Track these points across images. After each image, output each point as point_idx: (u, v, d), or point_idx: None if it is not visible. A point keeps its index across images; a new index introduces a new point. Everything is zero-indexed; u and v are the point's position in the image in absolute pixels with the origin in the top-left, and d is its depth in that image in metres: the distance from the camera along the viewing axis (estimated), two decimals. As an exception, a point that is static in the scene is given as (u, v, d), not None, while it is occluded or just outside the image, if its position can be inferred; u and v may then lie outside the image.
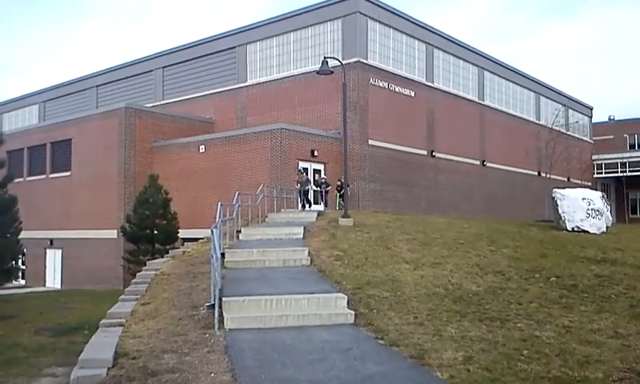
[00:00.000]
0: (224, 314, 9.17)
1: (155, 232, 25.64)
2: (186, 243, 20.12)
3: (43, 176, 34.28)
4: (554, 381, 6.23)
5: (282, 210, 23.10)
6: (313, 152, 27.60)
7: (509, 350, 7.36)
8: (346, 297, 10.14)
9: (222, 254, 12.83)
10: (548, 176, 34.80)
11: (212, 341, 8.20)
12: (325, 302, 9.96)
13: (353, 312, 9.47)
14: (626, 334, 8.12)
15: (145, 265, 16.11)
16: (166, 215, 25.93)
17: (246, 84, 33.83)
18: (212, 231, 10.96)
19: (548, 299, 10.32)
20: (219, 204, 14.32)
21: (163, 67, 38.73)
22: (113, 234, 28.94)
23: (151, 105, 36.12)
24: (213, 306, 9.31)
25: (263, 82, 33.08)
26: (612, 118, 60.62)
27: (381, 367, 6.86)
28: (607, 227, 20.54)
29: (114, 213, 29.46)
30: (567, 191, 20.79)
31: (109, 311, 10.36)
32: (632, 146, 56.86)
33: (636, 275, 12.58)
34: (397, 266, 13.11)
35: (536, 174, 39.92)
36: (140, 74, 40.15)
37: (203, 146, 29.09)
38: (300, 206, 24.66)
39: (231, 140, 28.39)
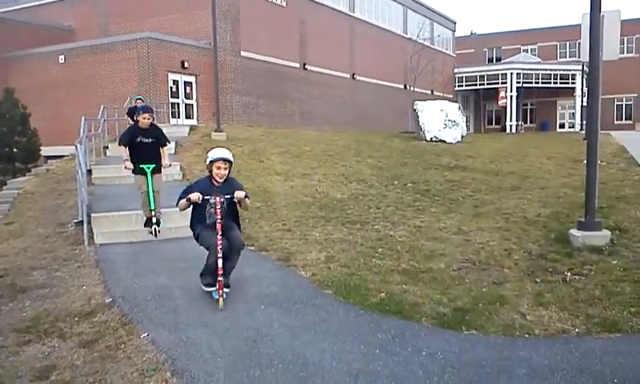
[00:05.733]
0: (93, 229, 9.16)
1: (15, 150, 24.06)
2: (49, 161, 19.25)
3: None
4: (402, 273, 7.04)
5: (153, 124, 22.56)
6: (183, 63, 26.80)
7: (366, 249, 8.12)
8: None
9: (89, 171, 12.57)
10: (413, 89, 36.61)
11: (82, 256, 8.23)
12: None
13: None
14: (468, 231, 9.18)
15: (5, 184, 15.31)
16: (25, 132, 24.32)
17: (108, -11, 31.63)
18: (76, 147, 10.67)
19: (403, 203, 11.32)
20: (83, 118, 13.80)
21: (12, -33, 35.06)
22: (-35, 152, 26.72)
23: (1, 11, 32.79)
24: (81, 222, 9.26)
25: (127, -13, 31.09)
26: (473, 32, 64.07)
27: (251, 270, 7.34)
28: (462, 136, 22.33)
29: (-36, 129, 27.09)
30: (426, 103, 22.20)
31: (-32, 233, 9.94)
32: (490, 60, 60.67)
33: (483, 179, 14.03)
34: (268, 177, 13.58)
35: (402, 87, 41.66)
36: (-16, -26, 36.06)
37: (63, 56, 27.26)
38: None
39: (93, 50, 26.77)
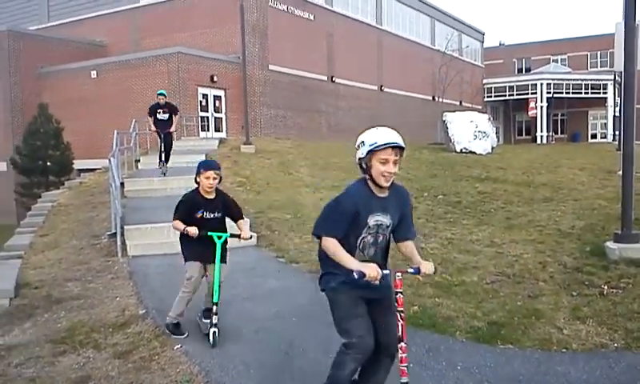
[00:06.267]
0: (126, 241, 9.27)
1: (48, 163, 24.65)
2: (82, 174, 19.61)
3: None
4: (435, 286, 6.95)
5: (182, 137, 22.85)
6: (212, 77, 27.15)
7: (397, 261, 7.95)
8: (249, 220, 10.47)
9: (122, 183, 12.74)
10: (441, 100, 36.40)
11: (116, 268, 8.34)
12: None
13: (255, 234, 9.86)
14: (501, 243, 9.04)
15: (40, 197, 15.64)
16: (58, 146, 24.95)
17: (140, 4, 32.23)
18: (109, 160, 10.86)
19: (434, 215, 11.21)
20: (115, 132, 14.04)
21: (47, -15, 35.99)
22: (2, 166, 27.43)
23: (35, 28, 33.68)
24: (114, 234, 9.39)
25: (158, 2, 31.64)
26: (502, 43, 63.57)
27: (282, 283, 7.35)
28: (492, 148, 22.10)
29: (0, 144, 27.82)
30: (456, 115, 22.06)
31: (5, 244, 10.16)
32: (520, 71, 60.10)
33: (514, 191, 13.82)
34: (297, 189, 13.60)
35: (431, 98, 41.47)
36: (20, -8, 37.11)
37: (95, 72, 27.85)
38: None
39: (125, 65, 27.30)
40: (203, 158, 16.76)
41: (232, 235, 5.67)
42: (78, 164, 25.15)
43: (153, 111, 14.68)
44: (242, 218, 5.90)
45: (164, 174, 14.29)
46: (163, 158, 14.78)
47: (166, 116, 14.62)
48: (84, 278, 7.94)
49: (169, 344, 5.39)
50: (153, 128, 14.92)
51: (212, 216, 5.61)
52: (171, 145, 15.04)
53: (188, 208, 5.56)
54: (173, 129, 14.88)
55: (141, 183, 13.85)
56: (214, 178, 5.50)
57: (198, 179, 5.56)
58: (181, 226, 5.50)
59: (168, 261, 8.61)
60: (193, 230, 5.44)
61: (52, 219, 12.02)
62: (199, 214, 5.54)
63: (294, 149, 19.62)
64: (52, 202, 13.57)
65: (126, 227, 9.59)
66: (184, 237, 5.58)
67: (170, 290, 7.09)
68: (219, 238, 5.51)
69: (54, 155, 24.80)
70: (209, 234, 5.47)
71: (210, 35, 29.31)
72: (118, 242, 9.02)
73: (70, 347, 5.52)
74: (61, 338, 5.76)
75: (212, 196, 5.62)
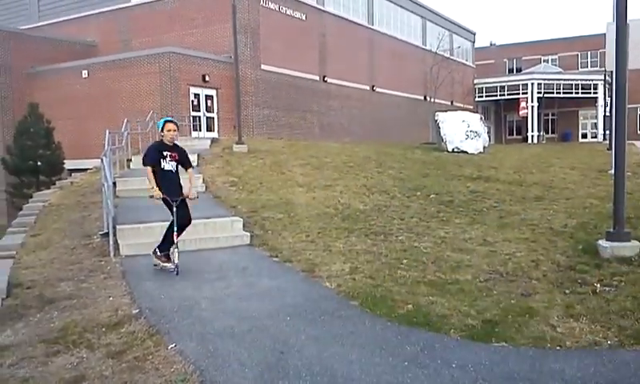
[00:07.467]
0: (119, 241, 9.22)
1: (39, 163, 24.46)
2: (73, 174, 19.50)
3: None
4: (429, 284, 6.97)
5: (174, 137, 22.75)
6: (204, 77, 27.05)
7: (390, 260, 8.07)
8: (242, 220, 10.48)
9: (114, 183, 12.68)
10: (433, 100, 36.47)
11: (108, 267, 8.29)
12: (221, 226, 10.24)
13: (248, 234, 9.85)
14: (493, 242, 9.07)
15: (31, 197, 15.54)
16: (49, 145, 24.77)
17: (130, 4, 32.04)
18: (102, 160, 10.79)
19: (427, 214, 11.24)
20: (107, 131, 13.97)
21: (36, -16, 35.72)
22: (-8, 166, 27.20)
23: (25, 27, 33.43)
24: (107, 234, 9.33)
25: (149, 2, 31.48)
26: (493, 43, 63.76)
27: (275, 282, 7.33)
28: (484, 147, 22.18)
29: (-10, 144, 27.61)
30: (448, 114, 22.12)
31: (-4, 244, 10.09)
32: (510, 71, 60.28)
33: (506, 190, 13.89)
34: (290, 189, 13.59)
35: (422, 98, 41.53)
36: (10, -8, 36.82)
37: (86, 71, 27.68)
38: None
39: (116, 64, 27.14)
40: (195, 157, 16.74)
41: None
42: (68, 164, 24.96)
43: (155, 156, 8.04)
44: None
45: (177, 274, 7.74)
46: (174, 243, 8.00)
47: (173, 165, 8.13)
48: (76, 277, 7.88)
49: (163, 343, 5.36)
50: (156, 192, 7.87)
51: None
52: (190, 220, 8.32)
53: None
54: (192, 194, 8.25)
55: (133, 183, 13.76)
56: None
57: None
58: None
59: (161, 260, 8.59)
60: None
61: (43, 219, 11.94)
62: None
63: (286, 148, 19.61)
64: (43, 202, 13.48)
65: (118, 227, 9.54)
66: None
67: (163, 289, 7.10)
68: None
69: (45, 155, 24.60)
70: None
71: (200, 35, 29.17)
72: (111, 242, 8.97)
73: (64, 347, 5.48)
74: (54, 338, 5.71)
75: None
